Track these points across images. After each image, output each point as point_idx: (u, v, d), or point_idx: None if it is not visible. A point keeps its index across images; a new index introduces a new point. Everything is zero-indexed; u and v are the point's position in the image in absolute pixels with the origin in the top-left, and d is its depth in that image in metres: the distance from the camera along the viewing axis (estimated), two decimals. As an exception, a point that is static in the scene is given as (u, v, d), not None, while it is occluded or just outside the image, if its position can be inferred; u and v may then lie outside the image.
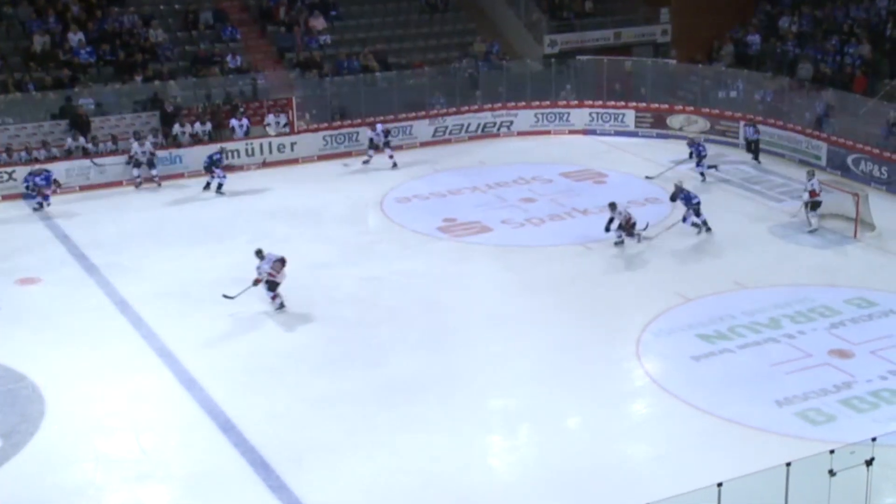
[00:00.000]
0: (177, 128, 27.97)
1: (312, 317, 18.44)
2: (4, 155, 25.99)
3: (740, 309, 18.26)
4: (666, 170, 26.03)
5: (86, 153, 26.67)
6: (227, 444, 14.21)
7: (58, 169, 25.70)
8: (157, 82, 29.09)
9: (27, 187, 24.88)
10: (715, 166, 26.56)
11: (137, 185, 26.34)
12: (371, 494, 13.04)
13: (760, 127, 27.87)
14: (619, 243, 21.02)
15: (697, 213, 22.04)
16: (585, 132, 30.92)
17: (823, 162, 26.74)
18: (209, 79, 29.76)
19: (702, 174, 25.98)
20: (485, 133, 30.90)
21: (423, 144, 30.05)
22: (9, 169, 25.65)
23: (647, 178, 25.93)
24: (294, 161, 28.20)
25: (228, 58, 30.57)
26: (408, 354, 16.94)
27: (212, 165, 25.88)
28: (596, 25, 34.87)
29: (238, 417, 14.82)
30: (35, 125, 27.01)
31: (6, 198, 25.28)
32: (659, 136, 30.10)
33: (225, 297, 18.70)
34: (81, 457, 14.07)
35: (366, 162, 27.96)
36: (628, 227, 21.01)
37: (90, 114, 27.68)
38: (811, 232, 22.18)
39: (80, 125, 27.29)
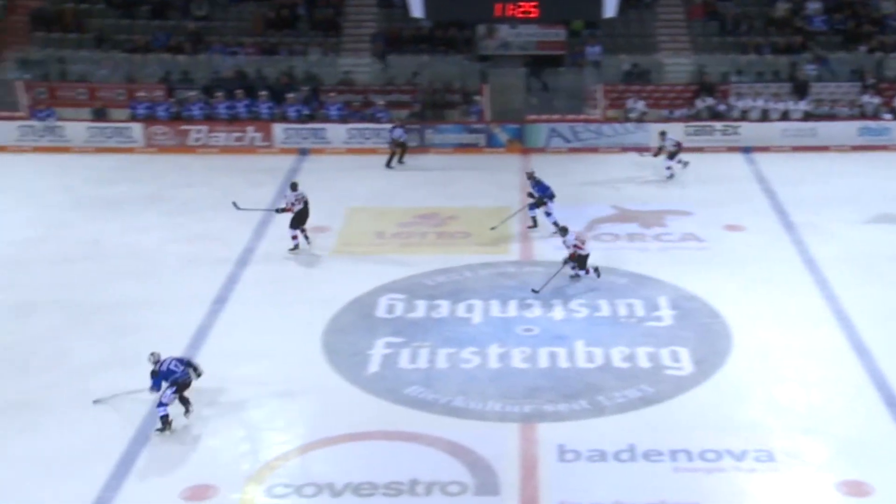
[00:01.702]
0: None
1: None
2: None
3: None
4: None
5: (807, 116, 26.77)
6: (888, 419, 13.81)
7: (774, 129, 26.35)
8: (878, 53, 28.10)
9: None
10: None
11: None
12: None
13: None
14: None
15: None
16: None
17: None
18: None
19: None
20: None
21: None
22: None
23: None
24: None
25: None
26: None
27: None
28: None
29: (902, 395, 14.34)
30: (762, 85, 27.79)
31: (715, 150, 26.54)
32: None
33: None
34: (755, 397, 14.58)
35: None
36: None
37: (811, 79, 27.74)
38: None
39: (799, 89, 27.54)
